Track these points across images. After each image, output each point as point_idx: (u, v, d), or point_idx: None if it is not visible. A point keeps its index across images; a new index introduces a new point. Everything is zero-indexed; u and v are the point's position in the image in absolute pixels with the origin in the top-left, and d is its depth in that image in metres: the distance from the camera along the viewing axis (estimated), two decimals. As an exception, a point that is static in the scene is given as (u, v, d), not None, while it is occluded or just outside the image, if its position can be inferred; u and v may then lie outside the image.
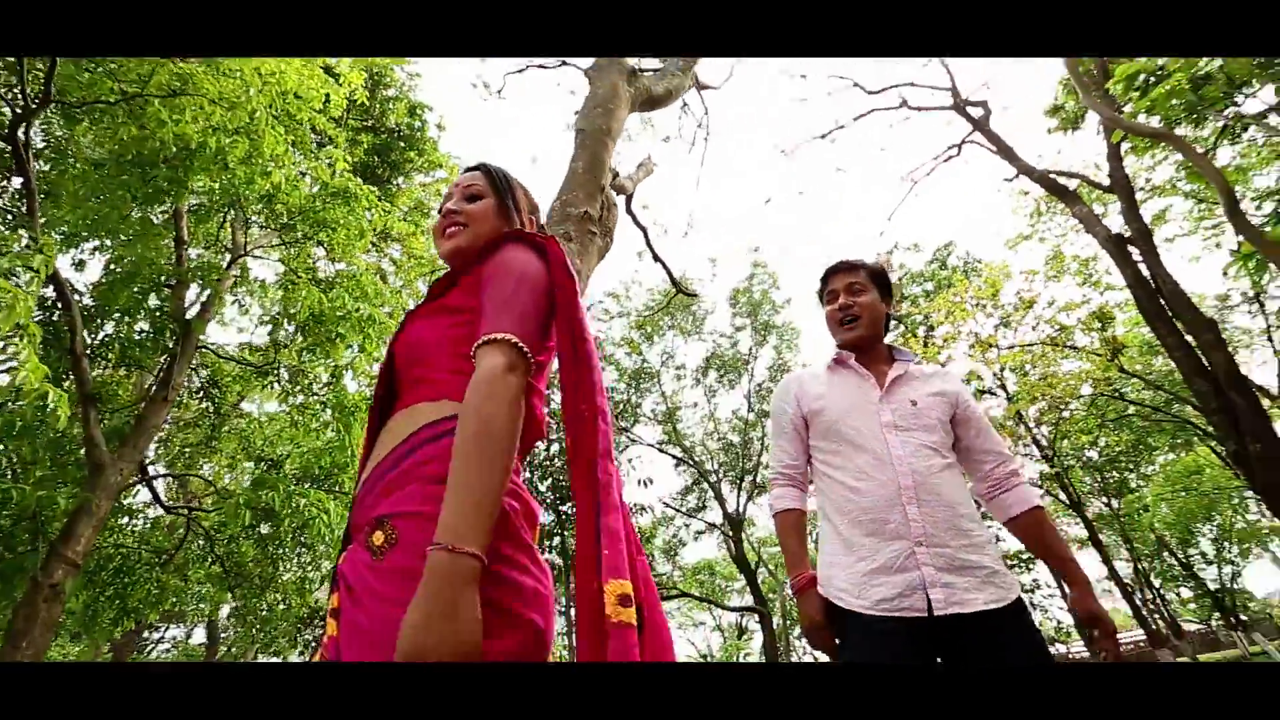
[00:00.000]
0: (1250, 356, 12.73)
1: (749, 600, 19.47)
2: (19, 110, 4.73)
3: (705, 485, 18.34)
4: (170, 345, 6.06)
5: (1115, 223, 8.62)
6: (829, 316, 1.70)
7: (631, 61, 4.39)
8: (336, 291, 5.85)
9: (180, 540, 6.99)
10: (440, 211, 1.13)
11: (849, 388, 1.58)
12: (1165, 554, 19.66)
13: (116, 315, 5.85)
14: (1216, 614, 19.80)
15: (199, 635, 17.18)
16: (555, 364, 0.98)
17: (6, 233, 5.29)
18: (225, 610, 12.15)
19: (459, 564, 0.67)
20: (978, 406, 1.61)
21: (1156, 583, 20.02)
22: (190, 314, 6.51)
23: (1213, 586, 18.87)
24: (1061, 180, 8.93)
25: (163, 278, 6.08)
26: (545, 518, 10.02)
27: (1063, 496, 15.16)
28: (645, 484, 12.60)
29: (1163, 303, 7.12)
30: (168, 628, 15.87)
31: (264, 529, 6.20)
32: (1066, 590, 1.50)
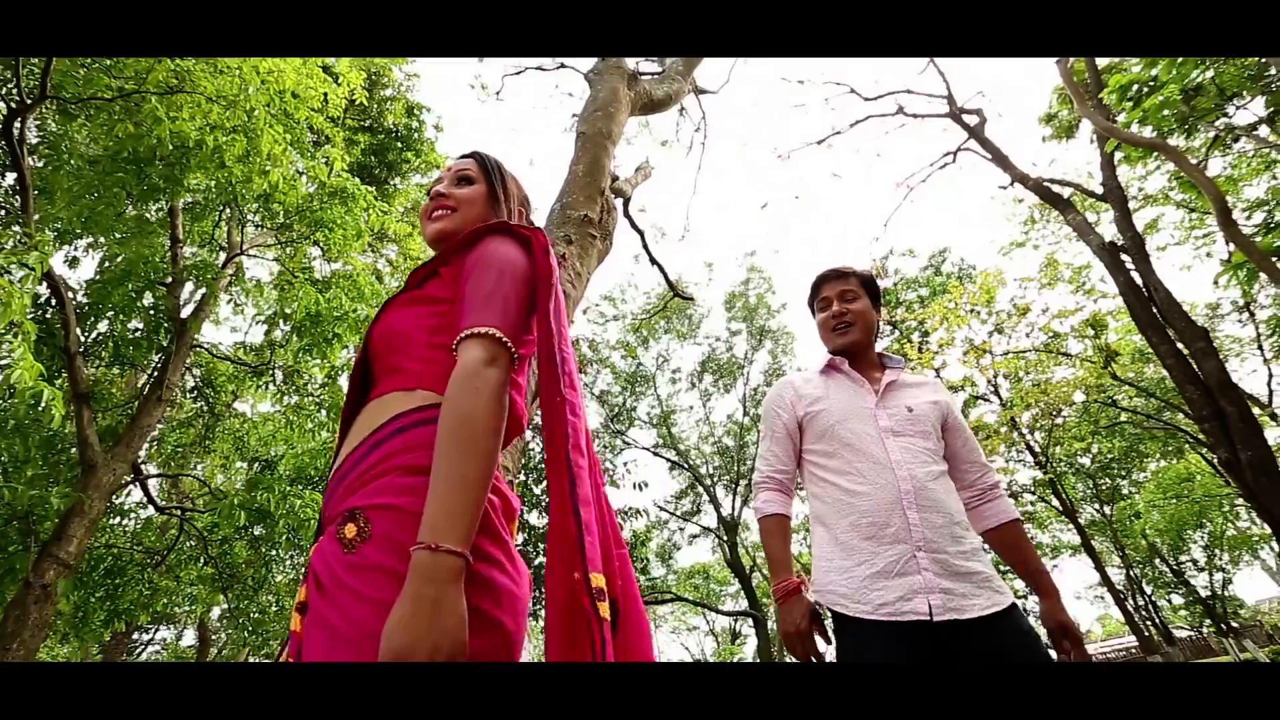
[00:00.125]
0: (1240, 365, 12.85)
1: (743, 604, 19.46)
2: (14, 105, 4.70)
3: (700, 489, 18.34)
4: (165, 344, 6.02)
5: (1108, 231, 8.70)
6: (822, 324, 1.72)
7: (631, 65, 4.41)
8: (333, 291, 5.84)
9: (173, 541, 6.93)
10: (429, 194, 1.12)
11: (845, 392, 1.59)
12: (1157, 560, 19.77)
13: (110, 313, 5.81)
14: (1207, 620, 19.92)
15: (189, 637, 17.04)
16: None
17: (0, 229, 5.25)
18: (216, 612, 12.05)
19: (441, 562, 0.66)
20: (962, 416, 1.64)
21: (1148, 589, 20.12)
22: (185, 313, 6.48)
23: (1204, 593, 18.99)
24: (1055, 188, 9.00)
25: (157, 276, 6.04)
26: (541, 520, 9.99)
27: (1055, 503, 15.24)
28: (640, 487, 12.58)
29: (1155, 311, 7.18)
30: (157, 629, 15.73)
31: (257, 530, 6.15)
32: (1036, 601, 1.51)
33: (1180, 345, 6.90)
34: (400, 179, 9.67)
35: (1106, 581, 14.24)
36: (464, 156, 1.16)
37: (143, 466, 6.70)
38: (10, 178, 5.99)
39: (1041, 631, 1.45)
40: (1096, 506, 18.35)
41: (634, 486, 12.59)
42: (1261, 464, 6.00)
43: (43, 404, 3.24)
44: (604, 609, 0.74)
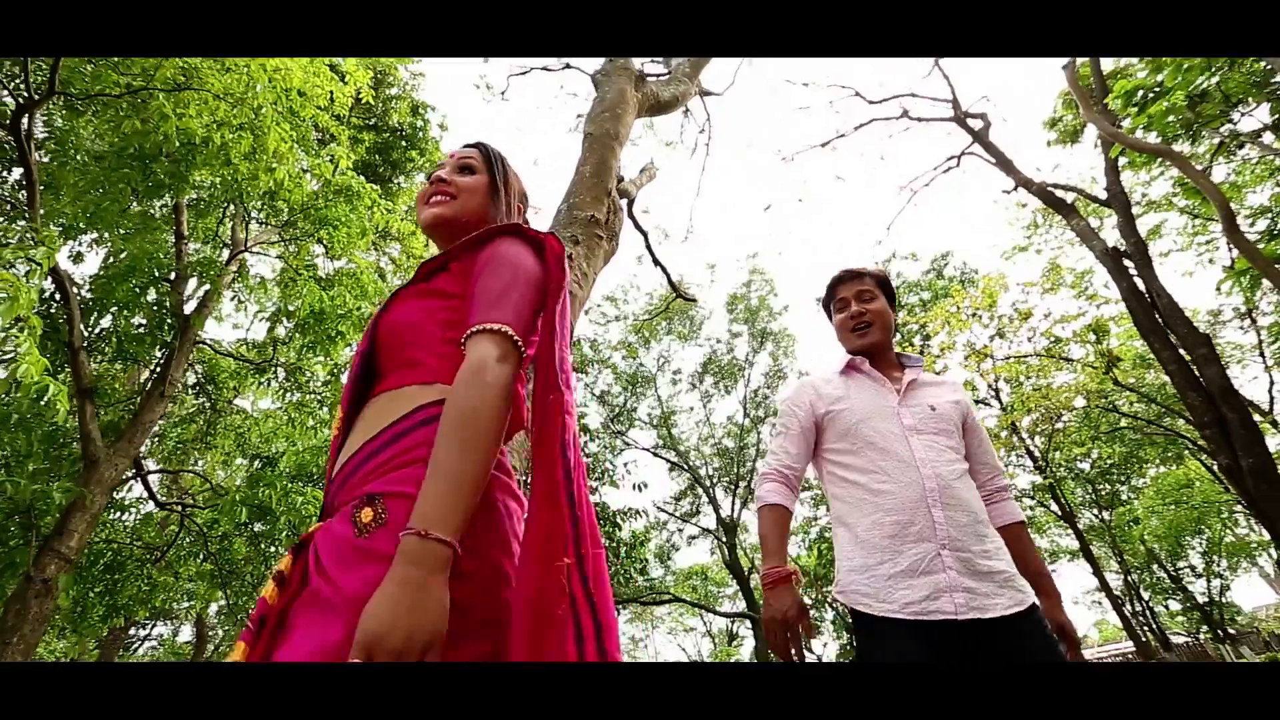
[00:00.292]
0: (1242, 372, 12.86)
1: (741, 606, 19.46)
2: (22, 101, 4.71)
3: (699, 490, 18.35)
4: (168, 340, 6.02)
5: (1111, 236, 8.71)
6: (840, 325, 1.71)
7: (638, 67, 4.42)
8: (337, 289, 5.84)
9: (173, 537, 6.93)
10: (429, 179, 1.11)
11: (867, 391, 1.58)
12: (1155, 566, 19.78)
13: (114, 309, 5.81)
14: (1204, 627, 19.92)
15: (186, 633, 17.04)
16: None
17: (5, 224, 5.26)
18: (214, 608, 12.05)
19: (429, 550, 0.66)
20: (979, 417, 1.64)
21: (1146, 595, 20.13)
22: (188, 309, 6.48)
23: (1201, 599, 18.99)
24: (1059, 193, 9.01)
25: (161, 272, 6.05)
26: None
27: (1055, 508, 15.24)
28: (640, 488, 12.59)
29: (1157, 317, 7.18)
30: (154, 625, 15.73)
31: (258, 527, 6.15)
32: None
33: (1182, 351, 6.91)
34: (404, 178, 9.68)
35: (1104, 587, 14.23)
36: (468, 146, 1.15)
37: (144, 462, 6.71)
38: (17, 172, 5.99)
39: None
40: (1095, 512, 18.35)
41: (633, 487, 12.60)
42: (1262, 471, 6.00)
43: (47, 399, 3.24)
44: (591, 606, 0.74)
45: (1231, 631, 19.74)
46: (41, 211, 4.83)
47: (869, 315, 1.65)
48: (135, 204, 6.32)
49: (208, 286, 6.68)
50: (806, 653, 1.37)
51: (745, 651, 24.79)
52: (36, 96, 4.68)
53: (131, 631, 14.56)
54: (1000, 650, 1.23)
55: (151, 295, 6.09)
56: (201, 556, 6.97)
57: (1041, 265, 12.35)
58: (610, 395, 17.89)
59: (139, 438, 5.55)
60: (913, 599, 1.27)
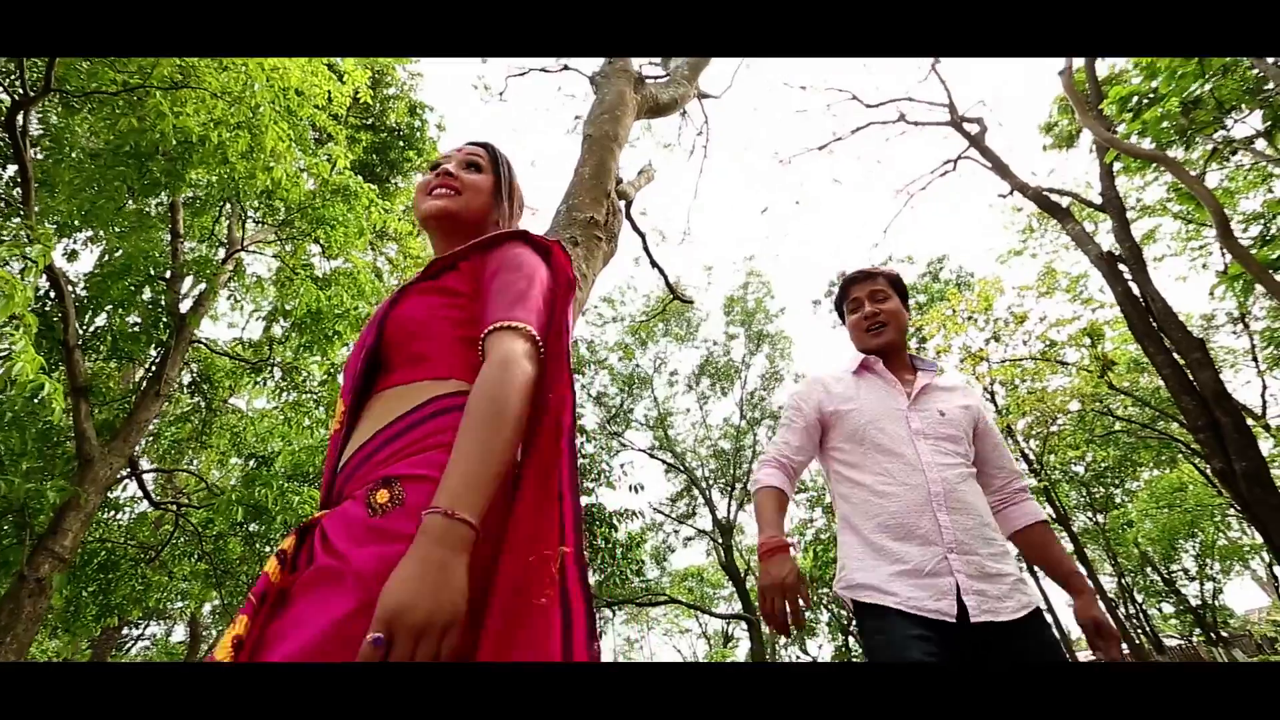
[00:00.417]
0: (1235, 376, 12.94)
1: (736, 608, 19.47)
2: (17, 98, 4.69)
3: (696, 492, 18.36)
4: (164, 339, 6.00)
5: (1106, 241, 8.75)
6: (854, 325, 1.70)
7: (637, 69, 4.43)
8: (334, 289, 5.83)
9: (167, 536, 6.90)
10: (433, 169, 1.11)
11: (877, 393, 1.58)
12: (1148, 569, 19.87)
13: (109, 307, 5.79)
14: (1197, 629, 20.02)
15: (179, 633, 16.95)
16: None
17: (1, 221, 5.23)
18: (208, 608, 11.99)
19: (454, 530, 0.66)
20: (993, 421, 1.64)
21: (1139, 597, 20.22)
22: (184, 308, 6.46)
23: (1194, 602, 19.08)
24: (1054, 198, 9.06)
25: (157, 271, 6.03)
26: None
27: (1049, 510, 15.30)
28: (636, 489, 12.59)
29: (1152, 321, 7.22)
30: (148, 625, 15.64)
31: (253, 527, 6.13)
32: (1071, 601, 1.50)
33: (1176, 355, 6.95)
34: (402, 178, 9.67)
35: (1099, 589, 14.30)
36: (475, 143, 1.15)
37: (139, 461, 6.68)
38: (11, 169, 5.96)
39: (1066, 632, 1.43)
40: (1090, 515, 18.43)
41: (630, 488, 12.60)
42: (1256, 474, 6.04)
43: (42, 397, 3.23)
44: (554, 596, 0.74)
45: (1224, 634, 19.85)
46: (36, 209, 4.81)
47: (883, 315, 1.64)
48: (131, 202, 6.30)
49: (204, 285, 6.66)
50: (802, 631, 1.35)
51: (740, 653, 24.79)
52: (32, 93, 4.66)
53: (125, 631, 14.48)
54: (1006, 653, 1.23)
55: (147, 294, 6.06)
56: (196, 556, 6.94)
57: (1037, 269, 12.42)
58: (607, 396, 17.89)
59: (134, 437, 5.53)
60: (916, 596, 1.26)
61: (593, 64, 4.65)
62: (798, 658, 21.22)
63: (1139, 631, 18.52)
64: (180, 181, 5.31)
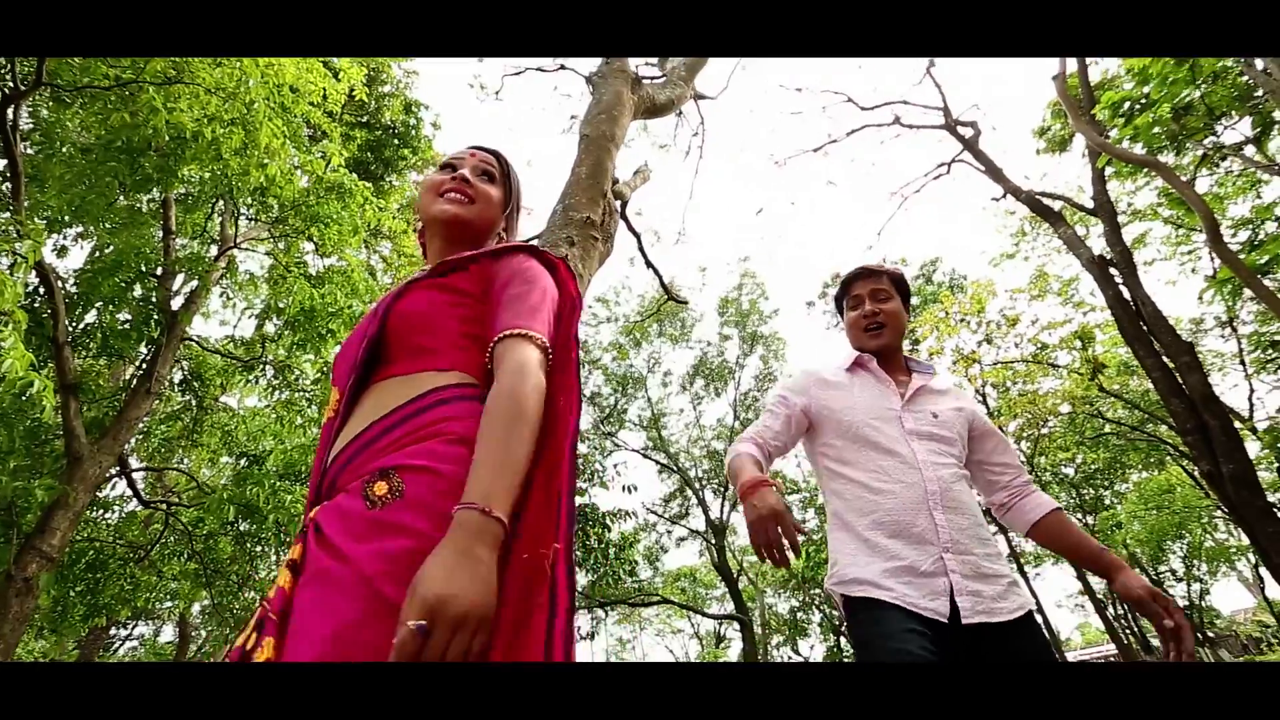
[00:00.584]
0: (1223, 379, 13.08)
1: (729, 608, 19.50)
2: (7, 92, 4.64)
3: (689, 492, 18.38)
4: (154, 336, 5.94)
5: (1098, 245, 8.83)
6: (852, 322, 1.67)
7: (634, 69, 4.43)
8: (328, 287, 5.79)
9: (157, 536, 6.84)
10: (443, 169, 1.12)
11: (870, 391, 1.56)
12: (1137, 570, 20.04)
13: (99, 304, 5.73)
14: (1184, 630, 20.18)
15: (167, 633, 16.80)
16: None
17: (-11, 216, 5.17)
18: (196, 608, 11.89)
19: (489, 526, 0.67)
20: (989, 420, 1.63)
21: (1128, 598, 20.37)
22: (175, 305, 6.41)
23: (1182, 603, 19.26)
24: (1047, 201, 9.13)
25: (149, 267, 5.97)
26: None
27: (1040, 511, 15.39)
28: (630, 490, 12.59)
29: (1142, 324, 7.29)
30: (135, 625, 15.49)
31: (244, 526, 6.08)
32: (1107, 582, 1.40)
33: (1166, 359, 7.02)
34: (396, 176, 9.63)
35: (1087, 590, 14.43)
36: (488, 150, 1.16)
37: (128, 459, 6.62)
38: (1, 164, 5.89)
39: (1055, 633, 1.41)
40: (1080, 516, 18.58)
41: (623, 489, 12.60)
42: (1242, 477, 6.11)
43: (31, 394, 3.20)
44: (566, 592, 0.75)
45: (1211, 635, 20.06)
46: (26, 204, 4.76)
47: (882, 316, 1.62)
48: (122, 198, 6.24)
49: (195, 282, 6.60)
50: (792, 556, 1.21)
51: (733, 653, 24.83)
52: (23, 87, 4.61)
53: (112, 632, 14.34)
54: (999, 654, 1.23)
55: (138, 290, 6.01)
56: (186, 556, 6.89)
57: (1029, 272, 12.53)
58: (600, 396, 17.88)
59: (124, 435, 5.48)
60: (912, 595, 1.25)
61: (590, 64, 4.65)
62: (789, 658, 21.27)
63: (1127, 632, 18.68)
64: (173, 177, 5.26)
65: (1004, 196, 9.70)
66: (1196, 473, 11.50)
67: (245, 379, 7.26)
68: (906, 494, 1.36)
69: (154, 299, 6.07)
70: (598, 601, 12.55)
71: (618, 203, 4.18)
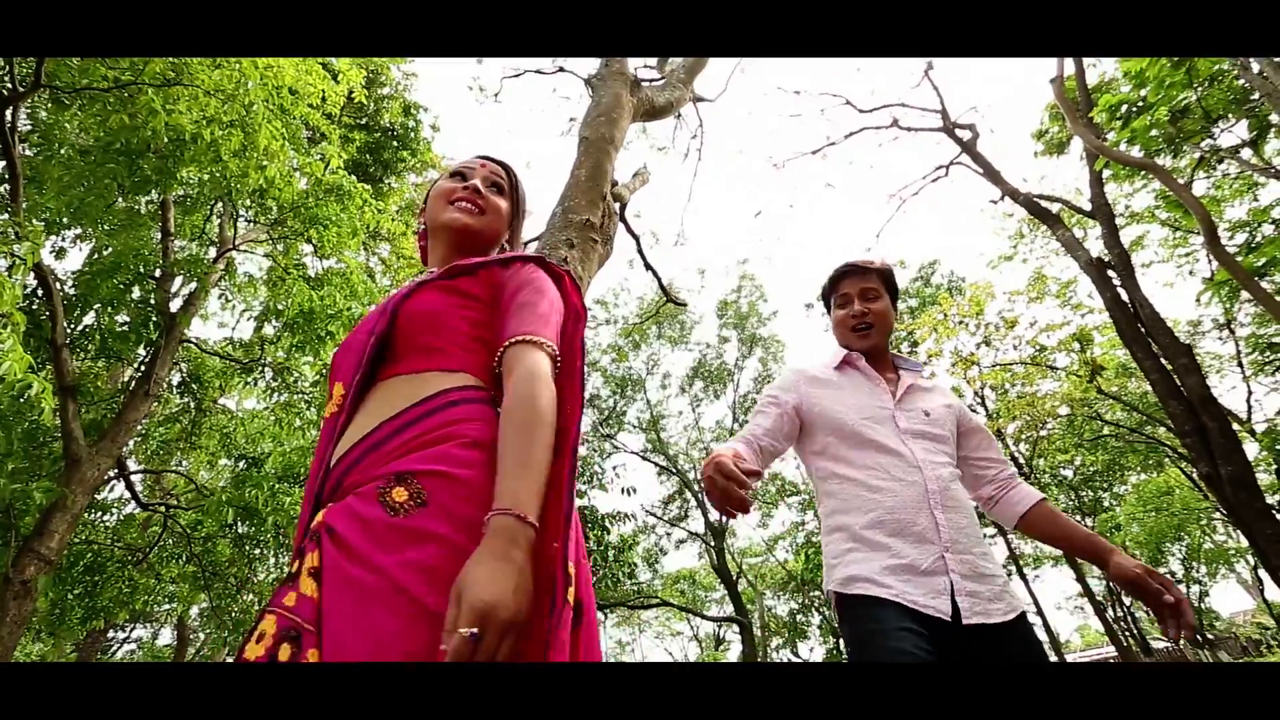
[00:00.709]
0: (1220, 381, 13.10)
1: (728, 610, 19.48)
2: (6, 93, 4.64)
3: (688, 494, 18.36)
4: (153, 338, 5.94)
5: (1095, 247, 8.85)
6: (840, 321, 1.63)
7: (633, 72, 4.44)
8: (327, 289, 5.79)
9: (155, 538, 6.82)
10: (454, 176, 1.14)
11: (862, 390, 1.53)
12: (1136, 572, 20.04)
13: (98, 306, 5.72)
14: (1183, 632, 20.19)
15: (165, 636, 16.74)
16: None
17: (-13, 218, 5.16)
18: (195, 610, 11.85)
19: (524, 531, 0.69)
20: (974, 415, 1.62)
21: (1127, 600, 20.39)
22: (174, 307, 6.40)
23: (1180, 605, 19.28)
24: (1045, 204, 9.15)
25: (147, 269, 5.97)
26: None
27: (1039, 513, 15.39)
28: (628, 492, 12.57)
29: (1140, 326, 7.30)
30: (134, 628, 15.44)
31: (243, 528, 6.07)
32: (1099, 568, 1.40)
33: (1164, 361, 7.03)
34: (395, 178, 9.63)
35: (1087, 592, 14.42)
36: (498, 162, 1.18)
37: (127, 462, 6.60)
38: (-1, 166, 5.89)
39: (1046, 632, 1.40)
40: (1079, 518, 18.59)
41: (622, 491, 12.58)
42: (1241, 479, 6.11)
43: (29, 396, 3.19)
44: (570, 594, 0.75)
45: (1210, 637, 20.06)
46: (25, 206, 4.76)
47: (871, 316, 1.58)
48: (121, 199, 6.23)
49: (194, 284, 6.60)
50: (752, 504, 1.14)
51: (732, 655, 24.79)
52: (21, 89, 4.61)
53: (110, 634, 14.29)
54: (994, 655, 1.22)
55: (136, 292, 6.00)
56: (184, 558, 6.87)
57: (1027, 274, 12.54)
58: (599, 399, 17.88)
59: (122, 437, 5.47)
60: (912, 593, 1.23)
61: (589, 66, 4.66)
62: (789, 660, 21.24)
63: (1127, 634, 18.68)
64: (171, 179, 5.26)
65: (1002, 199, 9.72)
66: (1195, 475, 11.51)
67: (244, 381, 7.25)
68: (906, 492, 1.34)
69: (153, 301, 6.07)
70: (597, 604, 12.54)
71: (617, 205, 4.18)
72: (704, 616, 18.65)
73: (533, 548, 0.70)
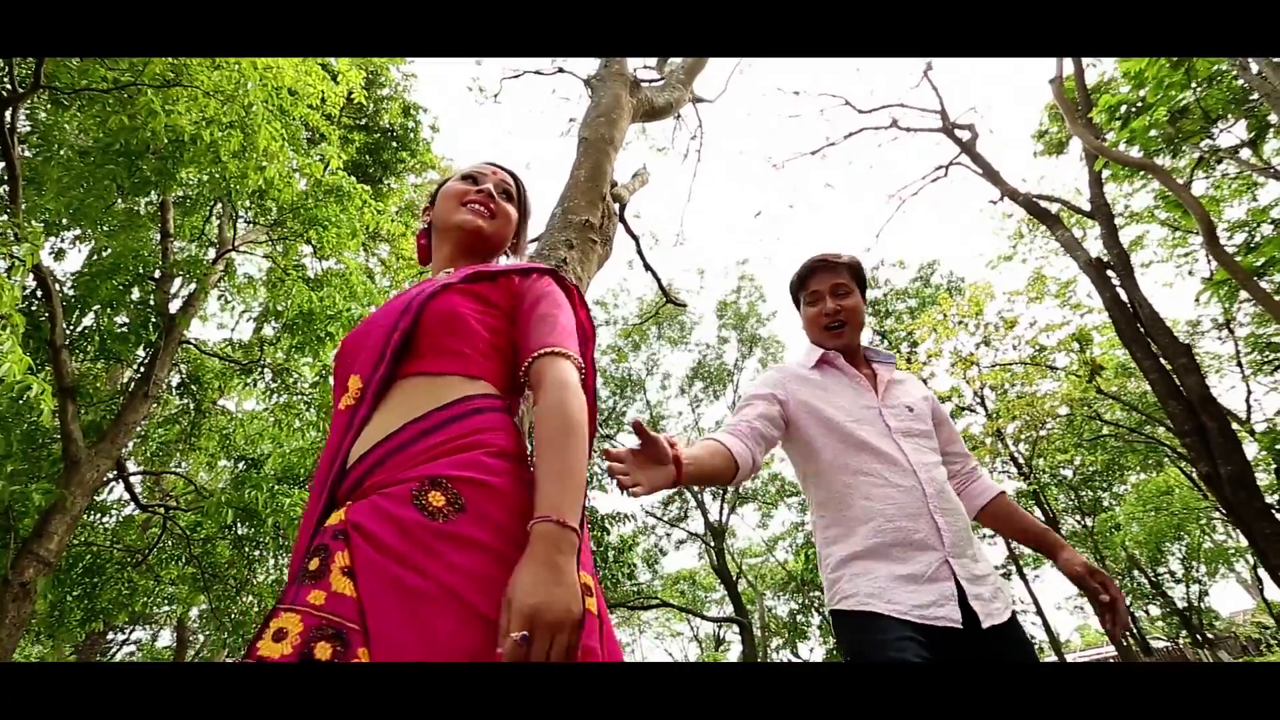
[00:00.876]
0: (1220, 381, 13.10)
1: (728, 610, 19.47)
2: (5, 94, 4.64)
3: (687, 495, 18.36)
4: (153, 339, 5.93)
5: (1095, 247, 8.86)
6: (811, 319, 1.58)
7: (632, 72, 4.44)
8: (326, 290, 5.79)
9: (154, 540, 6.82)
10: (466, 179, 1.16)
11: (847, 389, 1.49)
12: (1136, 572, 20.05)
13: (97, 307, 5.71)
14: (1184, 631, 20.22)
15: (165, 638, 16.72)
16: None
17: (-13, 219, 5.16)
18: (195, 612, 11.84)
19: (566, 536, 0.73)
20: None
21: (1127, 600, 20.27)
22: (173, 308, 6.39)
23: (1181, 604, 19.28)
24: (1044, 204, 9.15)
25: (147, 270, 5.96)
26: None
27: (1039, 513, 15.42)
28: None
29: (1139, 326, 7.31)
30: (133, 630, 15.42)
31: (242, 529, 6.06)
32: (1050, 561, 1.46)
33: (1163, 361, 7.03)
34: (395, 178, 9.63)
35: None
36: (507, 170, 1.22)
37: (126, 463, 6.60)
38: (-1, 167, 5.89)
39: (1035, 637, 1.38)
40: (1078, 518, 18.59)
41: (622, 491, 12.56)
42: (1240, 478, 6.12)
43: (29, 397, 3.18)
44: (592, 604, 0.77)
45: (1210, 636, 20.06)
46: (24, 207, 4.75)
47: (844, 314, 1.54)
48: (120, 200, 6.23)
49: (194, 285, 6.59)
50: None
51: (732, 656, 24.77)
52: (21, 90, 4.61)
53: (110, 636, 14.27)
54: (991, 655, 1.20)
55: (136, 293, 5.99)
56: (184, 559, 6.86)
57: (1026, 274, 12.53)
58: (599, 399, 17.89)
59: (121, 438, 5.46)
60: (920, 602, 1.19)
61: (588, 67, 4.66)
62: (789, 660, 21.22)
63: (1127, 634, 18.69)
64: (171, 180, 5.26)
65: (1001, 199, 9.73)
66: (1195, 474, 11.52)
67: (243, 382, 7.24)
68: (904, 498, 1.30)
69: (152, 302, 6.06)
70: (597, 605, 12.53)
71: (616, 205, 4.18)
72: (704, 617, 18.65)
73: (575, 549, 0.73)
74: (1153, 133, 6.60)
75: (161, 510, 6.78)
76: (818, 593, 17.60)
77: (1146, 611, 22.10)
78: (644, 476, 1.03)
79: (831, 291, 1.56)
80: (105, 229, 6.17)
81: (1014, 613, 1.28)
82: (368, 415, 0.89)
